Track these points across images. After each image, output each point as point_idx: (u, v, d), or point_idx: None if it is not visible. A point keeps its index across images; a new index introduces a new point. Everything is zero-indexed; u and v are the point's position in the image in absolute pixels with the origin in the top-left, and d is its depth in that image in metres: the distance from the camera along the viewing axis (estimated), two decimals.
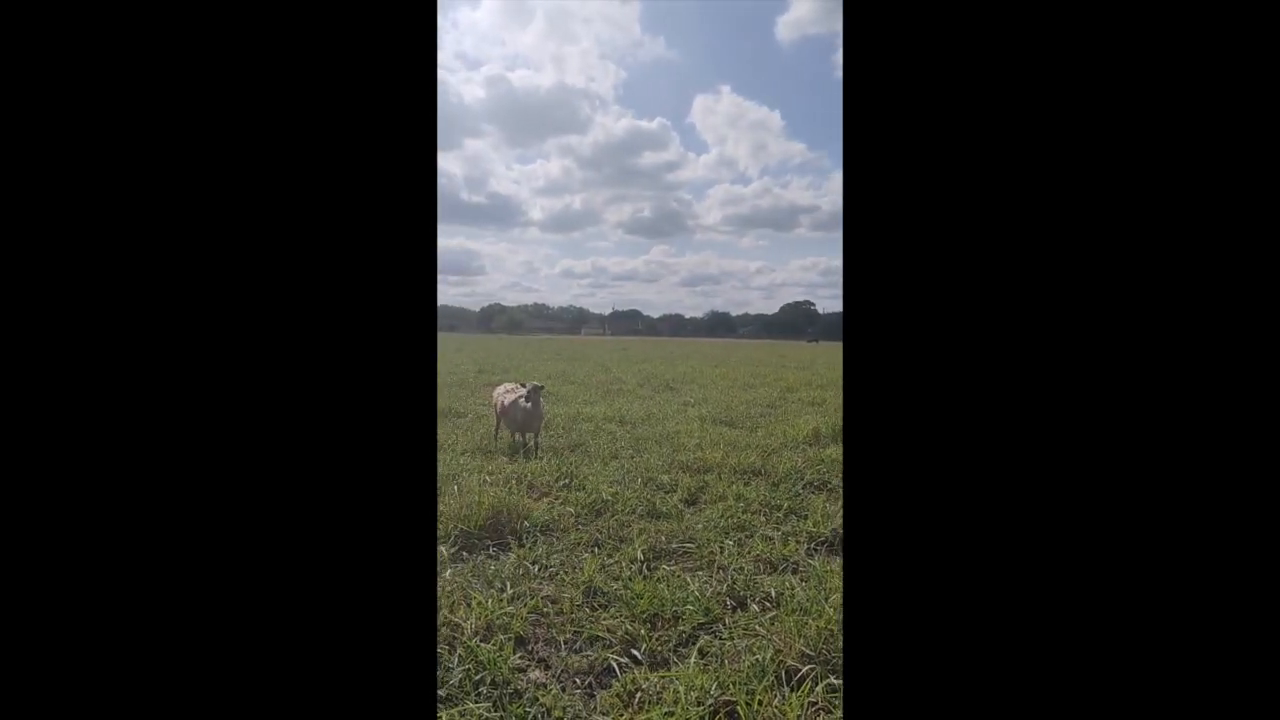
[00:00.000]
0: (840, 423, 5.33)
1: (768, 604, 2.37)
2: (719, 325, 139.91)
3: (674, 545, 2.97)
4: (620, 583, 2.51)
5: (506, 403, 4.96)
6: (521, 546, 2.88)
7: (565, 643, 2.11)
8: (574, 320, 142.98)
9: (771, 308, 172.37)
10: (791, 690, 1.81)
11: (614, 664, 1.97)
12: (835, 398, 8.76)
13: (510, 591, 2.41)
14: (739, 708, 1.72)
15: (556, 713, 1.74)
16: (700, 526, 3.20)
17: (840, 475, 3.99)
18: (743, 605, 2.36)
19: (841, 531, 3.04)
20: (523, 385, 4.99)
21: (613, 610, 2.30)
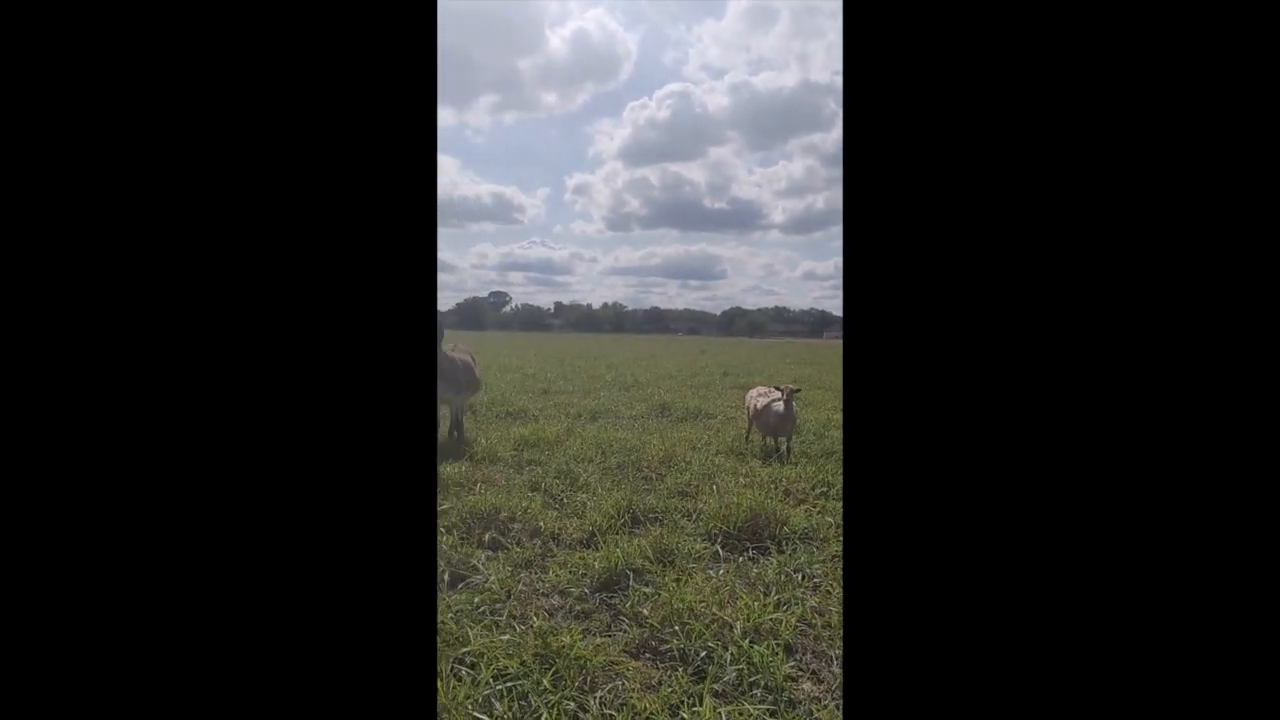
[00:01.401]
0: None
1: None
2: None
3: None
4: None
5: (760, 406, 4.97)
6: (781, 553, 2.85)
7: (836, 658, 2.03)
8: (816, 323, 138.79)
9: None
10: None
11: None
12: None
13: (775, 597, 2.39)
14: None
15: None
16: None
17: None
18: None
19: None
20: (776, 389, 4.95)
21: None
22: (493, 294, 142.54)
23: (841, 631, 2.16)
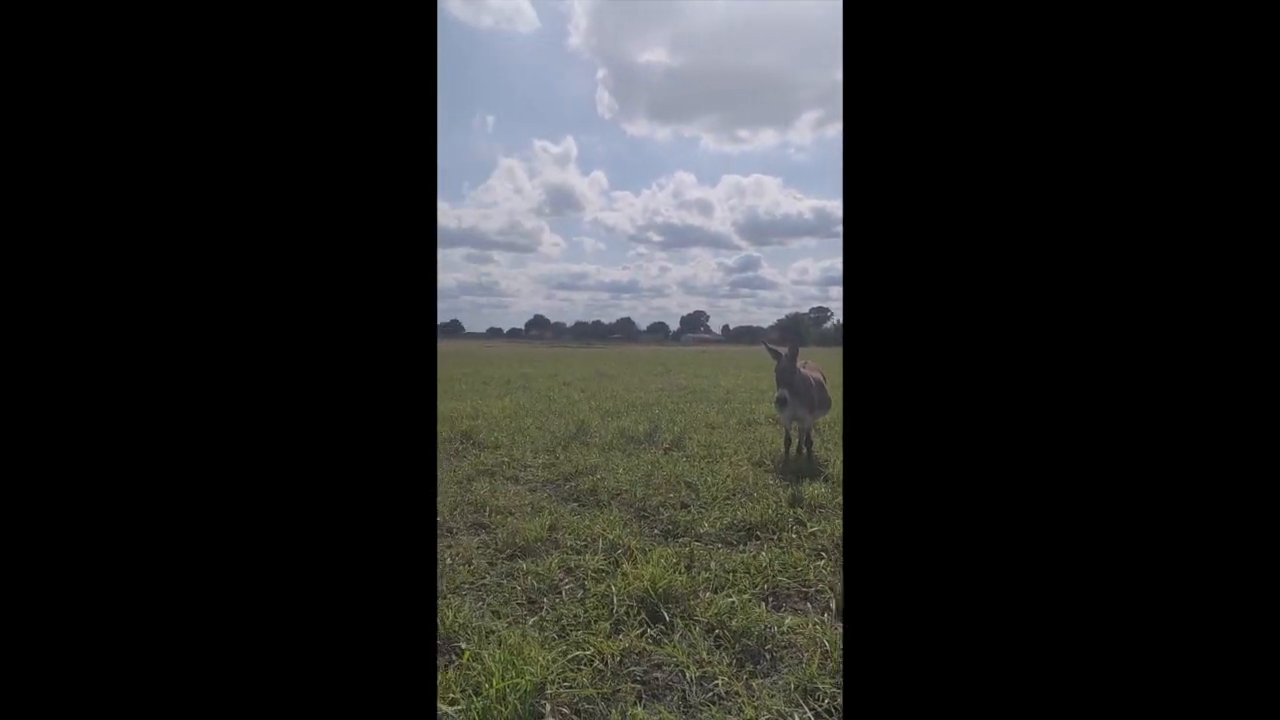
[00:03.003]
0: None
1: None
2: None
3: None
4: None
5: None
6: None
7: None
8: None
9: None
10: None
11: None
12: None
13: None
14: None
15: None
16: None
17: None
18: None
19: None
20: None
21: None
22: (813, 309, 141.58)
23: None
